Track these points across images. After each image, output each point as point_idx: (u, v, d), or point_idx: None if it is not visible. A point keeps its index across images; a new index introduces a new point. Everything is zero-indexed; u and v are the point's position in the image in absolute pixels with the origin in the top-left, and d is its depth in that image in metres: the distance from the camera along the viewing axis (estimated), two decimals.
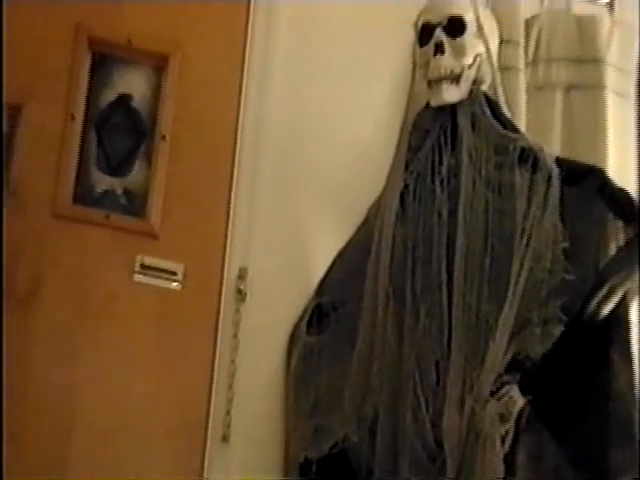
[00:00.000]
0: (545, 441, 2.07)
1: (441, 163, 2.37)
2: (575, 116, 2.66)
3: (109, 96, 2.51)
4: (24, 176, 2.39)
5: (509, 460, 2.03)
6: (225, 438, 2.42)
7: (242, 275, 2.51)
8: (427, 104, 2.46)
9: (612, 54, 2.67)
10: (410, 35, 2.53)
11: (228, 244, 2.52)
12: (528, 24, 2.71)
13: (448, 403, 2.14)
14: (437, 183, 2.36)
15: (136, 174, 2.49)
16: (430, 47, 2.41)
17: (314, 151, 2.65)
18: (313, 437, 2.34)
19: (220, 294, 2.49)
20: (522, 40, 2.67)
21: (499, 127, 2.37)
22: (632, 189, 2.51)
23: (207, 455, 2.40)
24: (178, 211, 2.48)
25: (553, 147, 2.56)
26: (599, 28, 2.69)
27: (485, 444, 2.04)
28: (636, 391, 2.13)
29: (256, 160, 2.59)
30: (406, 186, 2.40)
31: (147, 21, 2.55)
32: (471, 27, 2.42)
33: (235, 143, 2.58)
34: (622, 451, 2.08)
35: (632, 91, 2.70)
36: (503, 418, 2.06)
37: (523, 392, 2.09)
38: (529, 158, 2.31)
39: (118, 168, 2.49)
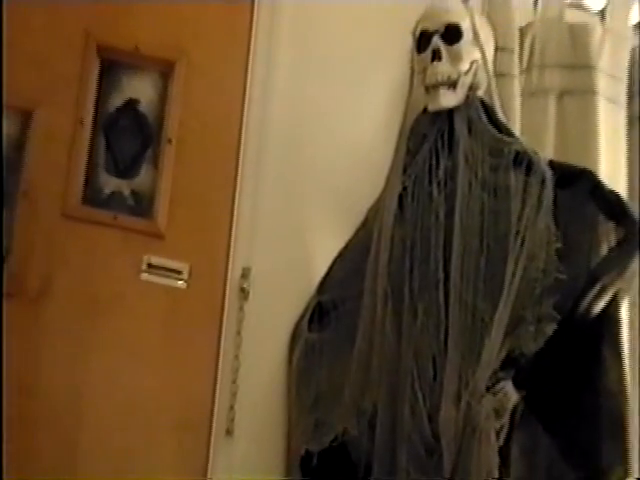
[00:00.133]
0: (538, 435, 2.08)
1: (438, 166, 2.37)
2: (568, 121, 2.64)
3: (117, 101, 2.52)
4: (35, 178, 2.40)
5: (503, 453, 2.04)
6: (229, 431, 2.43)
7: (245, 274, 2.52)
8: (425, 109, 2.46)
9: (603, 61, 2.66)
10: (408, 42, 2.52)
11: (232, 244, 2.53)
12: (522, 32, 2.70)
13: (445, 398, 2.14)
14: (434, 185, 2.36)
15: (143, 176, 2.50)
16: (428, 54, 2.41)
17: (315, 154, 2.65)
18: (314, 431, 2.35)
19: (224, 292, 2.50)
20: (517, 47, 2.66)
21: (494, 131, 2.37)
22: (622, 191, 2.52)
23: (212, 448, 2.41)
24: (183, 212, 2.49)
25: (546, 150, 2.55)
26: (591, 36, 2.67)
27: (481, 438, 2.04)
28: (626, 387, 2.15)
29: (259, 164, 2.59)
30: (404, 188, 2.40)
31: (154, 29, 2.55)
32: (467, 35, 2.42)
33: (239, 147, 2.58)
34: (612, 444, 2.10)
35: (622, 97, 2.69)
36: (498, 413, 2.06)
37: (517, 388, 2.09)
38: (523, 161, 2.30)
39: (126, 170, 2.49)
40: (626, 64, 2.72)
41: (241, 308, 2.51)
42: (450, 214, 2.31)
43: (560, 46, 2.70)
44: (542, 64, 2.70)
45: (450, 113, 2.40)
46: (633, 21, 2.81)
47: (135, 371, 2.39)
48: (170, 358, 2.43)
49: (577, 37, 2.69)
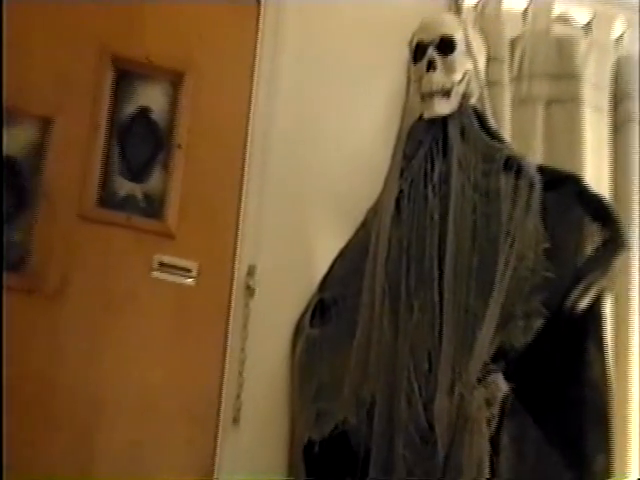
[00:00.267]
0: (527, 424, 2.12)
1: (433, 170, 2.41)
2: (555, 127, 2.72)
3: (130, 109, 2.56)
4: (54, 181, 2.44)
5: (494, 441, 2.08)
6: (236, 420, 2.48)
7: (251, 272, 2.56)
8: (420, 116, 2.51)
9: (588, 71, 2.74)
10: (405, 53, 2.58)
11: (238, 244, 2.57)
12: (512, 43, 2.78)
13: (439, 389, 2.18)
14: (429, 188, 2.40)
15: (155, 180, 2.55)
16: (423, 64, 2.47)
17: (317, 159, 2.69)
18: (316, 420, 2.39)
19: (231, 290, 2.55)
20: (507, 58, 2.75)
21: (486, 137, 2.42)
22: (606, 194, 2.59)
23: (219, 436, 2.46)
24: (193, 214, 2.54)
25: (535, 155, 2.63)
26: (577, 48, 2.76)
27: (473, 427, 2.08)
28: (609, 379, 2.19)
29: (264, 167, 2.63)
30: (401, 191, 2.44)
31: (164, 41, 2.60)
32: (460, 46, 2.47)
33: (245, 152, 2.63)
34: (597, 433, 2.14)
35: (606, 105, 2.76)
36: (489, 403, 2.09)
37: (507, 380, 2.11)
38: (513, 166, 2.34)
39: (138, 174, 2.54)
40: (609, 74, 2.78)
41: (247, 304, 2.55)
42: (444, 216, 2.34)
43: (548, 57, 2.79)
44: (531, 74, 2.78)
45: (444, 120, 2.45)
46: (615, 34, 2.88)
47: (147, 363, 2.43)
48: (180, 351, 2.47)
49: (564, 49, 2.79)
